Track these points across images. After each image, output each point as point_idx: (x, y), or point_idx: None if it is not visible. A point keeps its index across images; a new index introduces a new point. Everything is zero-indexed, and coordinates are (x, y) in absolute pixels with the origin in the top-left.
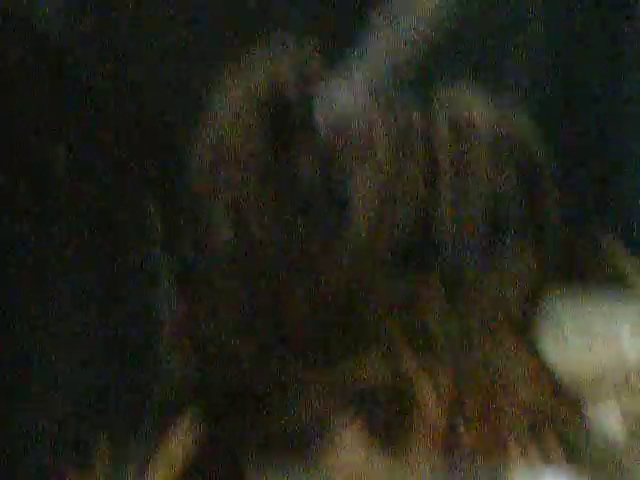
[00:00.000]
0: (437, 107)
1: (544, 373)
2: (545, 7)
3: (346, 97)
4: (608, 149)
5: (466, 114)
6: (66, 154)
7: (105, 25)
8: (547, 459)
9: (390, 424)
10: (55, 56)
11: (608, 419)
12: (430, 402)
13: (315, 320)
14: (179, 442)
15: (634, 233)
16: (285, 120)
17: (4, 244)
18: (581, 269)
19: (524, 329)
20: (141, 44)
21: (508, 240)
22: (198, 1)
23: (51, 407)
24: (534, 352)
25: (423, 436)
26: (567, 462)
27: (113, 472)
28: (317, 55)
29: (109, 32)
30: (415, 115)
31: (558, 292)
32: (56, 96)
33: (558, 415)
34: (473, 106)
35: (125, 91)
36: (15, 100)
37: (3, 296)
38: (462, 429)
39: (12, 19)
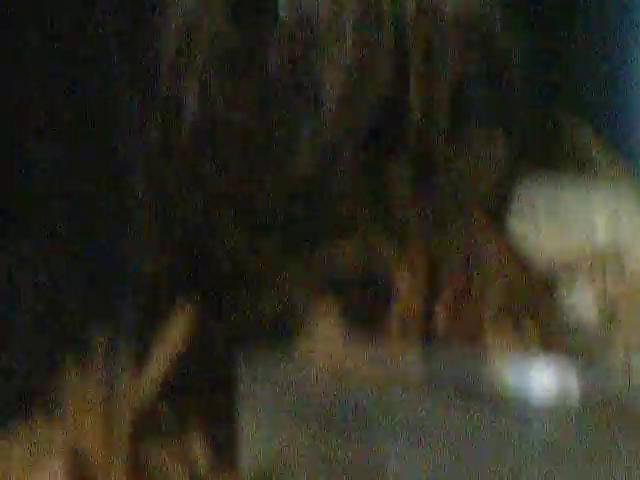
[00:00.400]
0: None
1: (518, 257)
2: None
3: None
4: (573, 30)
5: None
6: None
7: None
8: (524, 344)
9: (367, 311)
10: None
11: (582, 303)
12: (406, 287)
13: (285, 208)
14: (176, 328)
15: (601, 119)
16: (249, 3)
17: None
18: (551, 154)
19: (497, 213)
20: None
21: (476, 123)
22: None
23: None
24: (508, 236)
25: (400, 322)
26: (543, 347)
27: (111, 364)
28: None
29: None
30: None
31: (530, 176)
32: None
33: (533, 299)
34: None
35: None
36: None
37: None
38: (438, 313)
39: None
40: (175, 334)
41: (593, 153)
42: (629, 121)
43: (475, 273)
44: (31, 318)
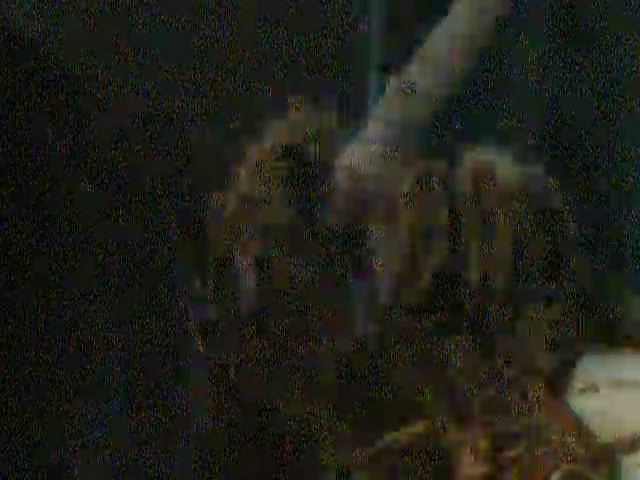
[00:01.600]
0: (457, 163)
1: (578, 427)
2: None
3: (364, 157)
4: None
5: (486, 168)
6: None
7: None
8: None
9: None
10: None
11: None
12: (469, 460)
13: (344, 383)
14: None
15: None
16: (306, 180)
17: None
18: (609, 321)
19: (557, 384)
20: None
21: (534, 292)
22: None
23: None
24: (568, 407)
25: None
26: None
27: None
28: (336, 118)
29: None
30: (436, 172)
31: (589, 345)
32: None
33: (593, 465)
34: (492, 159)
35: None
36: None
37: None
38: None
39: None
40: None
41: None
42: None
43: (539, 450)
44: None
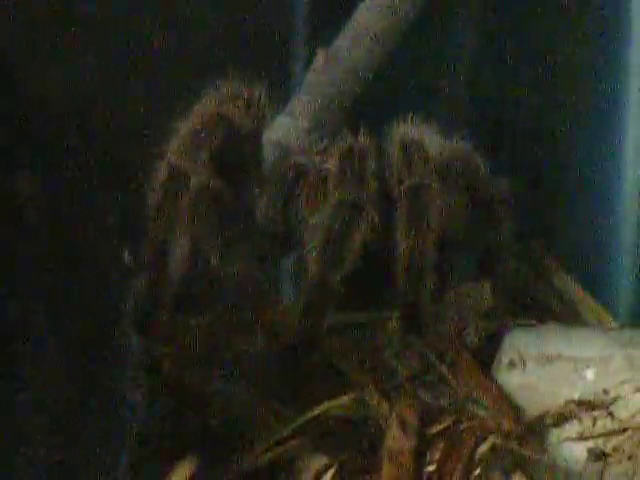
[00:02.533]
0: (387, 138)
1: (505, 401)
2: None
3: (291, 131)
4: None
5: (417, 143)
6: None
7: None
8: None
9: (360, 467)
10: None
11: (571, 451)
12: (396, 434)
13: (274, 358)
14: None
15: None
16: (236, 155)
17: None
18: (537, 299)
19: (486, 363)
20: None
21: (462, 269)
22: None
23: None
24: (495, 381)
25: (392, 469)
26: None
27: None
28: (264, 94)
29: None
30: (365, 145)
31: (518, 324)
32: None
33: (520, 440)
34: (422, 137)
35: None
36: None
37: None
38: (429, 458)
39: None
40: None
41: (576, 299)
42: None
43: (466, 424)
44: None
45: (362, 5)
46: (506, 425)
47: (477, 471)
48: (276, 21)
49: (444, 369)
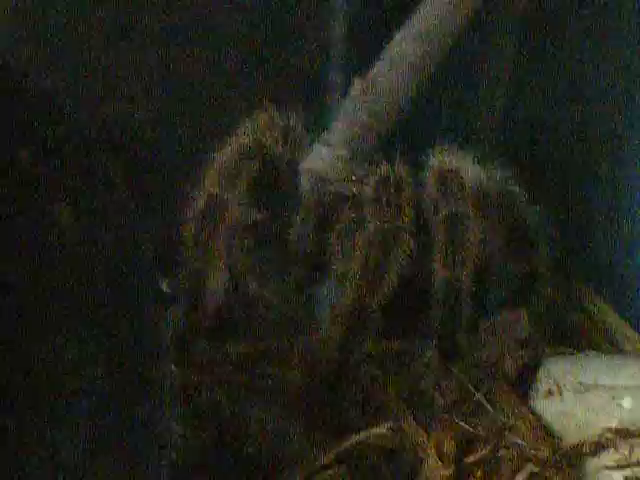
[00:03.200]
0: (423, 169)
1: (542, 430)
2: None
3: (329, 160)
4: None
5: (454, 172)
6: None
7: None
8: None
9: None
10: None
11: (607, 473)
12: (434, 463)
13: (311, 387)
14: None
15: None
16: (274, 185)
17: None
18: (574, 331)
19: (524, 393)
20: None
21: (500, 299)
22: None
23: None
24: (532, 410)
25: None
26: None
27: None
28: (301, 123)
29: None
30: (401, 174)
31: (555, 352)
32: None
33: (557, 469)
34: (459, 166)
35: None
36: None
37: None
38: None
39: None
40: None
41: (613, 327)
42: None
43: (504, 453)
44: None
45: (399, 33)
46: (543, 454)
47: None
48: (313, 50)
49: (481, 398)
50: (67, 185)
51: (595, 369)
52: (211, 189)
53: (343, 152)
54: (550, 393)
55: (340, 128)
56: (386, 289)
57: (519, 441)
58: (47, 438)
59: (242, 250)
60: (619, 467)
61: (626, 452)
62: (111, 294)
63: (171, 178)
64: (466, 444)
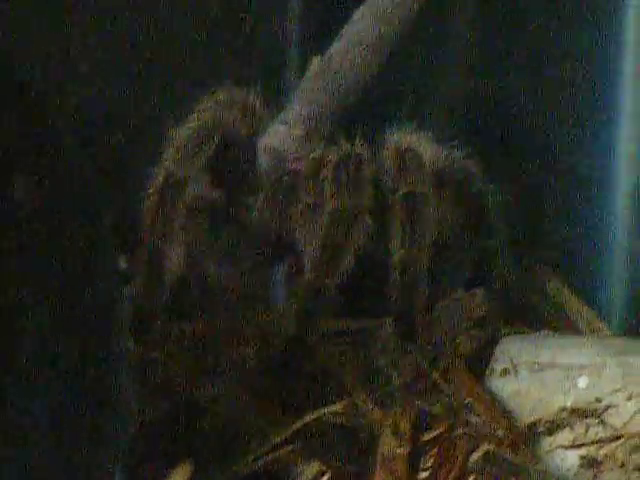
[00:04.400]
0: (382, 146)
1: (498, 408)
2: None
3: (286, 139)
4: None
5: (412, 151)
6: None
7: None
8: None
9: (352, 467)
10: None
11: (564, 457)
12: (389, 441)
13: (268, 367)
14: None
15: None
16: (232, 161)
17: None
18: (531, 311)
19: (479, 371)
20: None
21: (457, 278)
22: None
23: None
24: (488, 388)
25: (385, 476)
26: None
27: None
28: (260, 101)
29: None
30: (360, 153)
31: (512, 332)
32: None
33: (513, 448)
34: (417, 145)
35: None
36: None
37: None
38: (422, 464)
39: None
40: None
41: (570, 307)
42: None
43: (459, 430)
44: None
45: (357, 12)
46: (499, 432)
47: (470, 478)
48: (270, 28)
49: (437, 376)
50: (22, 156)
51: (551, 348)
52: (169, 166)
53: (301, 131)
54: (506, 372)
55: (298, 107)
56: (344, 268)
57: (475, 420)
58: (8, 415)
59: (200, 228)
60: (574, 446)
61: (581, 431)
62: (68, 269)
63: (132, 154)
64: (422, 423)
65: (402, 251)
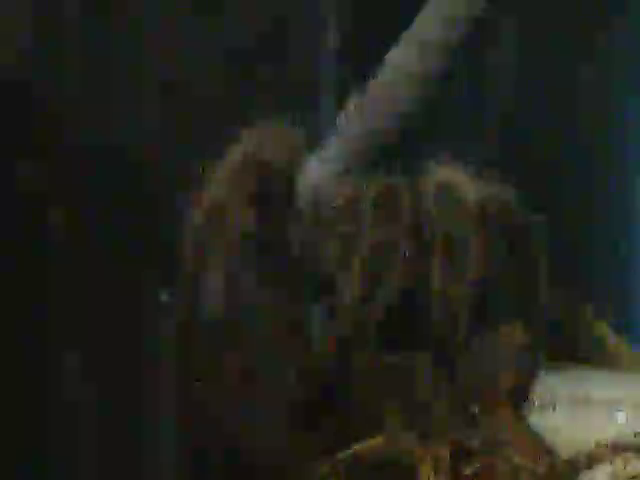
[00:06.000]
0: (420, 181)
1: (537, 443)
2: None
3: (326, 175)
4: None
5: (451, 185)
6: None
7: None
8: None
9: None
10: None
11: None
12: (429, 476)
13: (307, 399)
14: None
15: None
16: (273, 196)
17: None
18: (570, 345)
19: (519, 405)
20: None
21: (497, 313)
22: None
23: None
24: (528, 425)
25: None
26: None
27: None
28: (301, 135)
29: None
30: (399, 189)
31: (551, 366)
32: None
33: None
34: (458, 179)
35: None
36: None
37: None
38: None
39: None
40: None
41: (609, 342)
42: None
43: (499, 466)
44: None
45: (395, 49)
46: (539, 467)
47: None
48: (307, 65)
49: (477, 411)
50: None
51: (589, 383)
52: (212, 199)
53: (340, 167)
54: (544, 407)
55: (337, 144)
56: (384, 300)
57: (514, 454)
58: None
59: (241, 260)
60: None
61: (620, 466)
62: (112, 300)
63: (171, 186)
64: (461, 457)
65: (443, 283)
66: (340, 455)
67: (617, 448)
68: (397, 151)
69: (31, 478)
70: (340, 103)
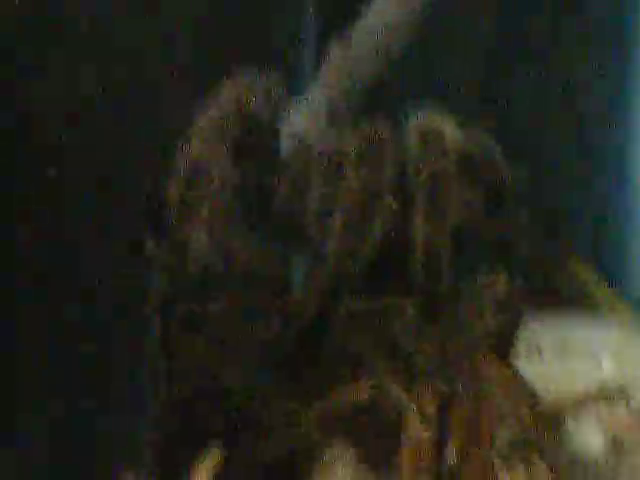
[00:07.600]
0: (405, 127)
1: (523, 390)
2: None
3: (308, 122)
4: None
5: (435, 132)
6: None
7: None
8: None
9: (378, 453)
10: None
11: (589, 437)
12: (415, 423)
13: (290, 345)
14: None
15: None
16: (254, 145)
17: None
18: (554, 291)
19: (504, 354)
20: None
21: (478, 259)
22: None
23: None
24: (513, 370)
25: (410, 464)
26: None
27: None
28: (282, 86)
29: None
30: (382, 132)
31: (535, 313)
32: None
33: (539, 431)
34: (441, 126)
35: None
36: None
37: None
38: (448, 448)
39: None
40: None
41: (594, 290)
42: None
43: (484, 412)
44: None
45: None
46: (525, 415)
47: (496, 460)
48: (290, 12)
49: (461, 359)
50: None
51: (576, 331)
52: (194, 150)
53: (322, 114)
54: (529, 354)
55: (319, 92)
56: (366, 248)
57: (500, 401)
58: None
59: (224, 211)
60: (599, 429)
61: (606, 414)
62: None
63: (156, 138)
64: (446, 405)
65: (425, 231)
66: (323, 403)
67: (603, 395)
68: (381, 100)
69: None
70: (322, 54)
